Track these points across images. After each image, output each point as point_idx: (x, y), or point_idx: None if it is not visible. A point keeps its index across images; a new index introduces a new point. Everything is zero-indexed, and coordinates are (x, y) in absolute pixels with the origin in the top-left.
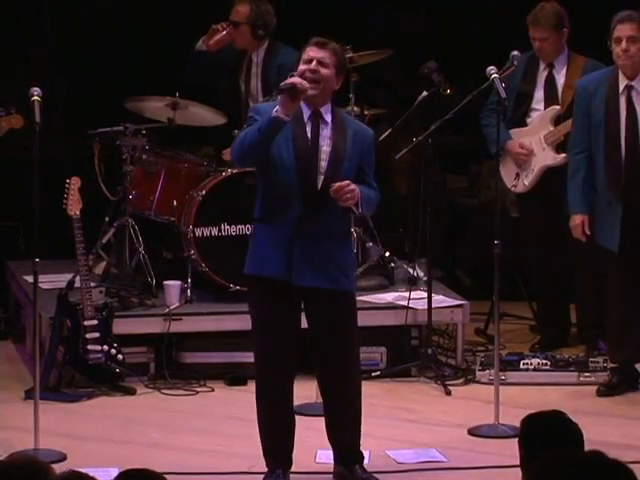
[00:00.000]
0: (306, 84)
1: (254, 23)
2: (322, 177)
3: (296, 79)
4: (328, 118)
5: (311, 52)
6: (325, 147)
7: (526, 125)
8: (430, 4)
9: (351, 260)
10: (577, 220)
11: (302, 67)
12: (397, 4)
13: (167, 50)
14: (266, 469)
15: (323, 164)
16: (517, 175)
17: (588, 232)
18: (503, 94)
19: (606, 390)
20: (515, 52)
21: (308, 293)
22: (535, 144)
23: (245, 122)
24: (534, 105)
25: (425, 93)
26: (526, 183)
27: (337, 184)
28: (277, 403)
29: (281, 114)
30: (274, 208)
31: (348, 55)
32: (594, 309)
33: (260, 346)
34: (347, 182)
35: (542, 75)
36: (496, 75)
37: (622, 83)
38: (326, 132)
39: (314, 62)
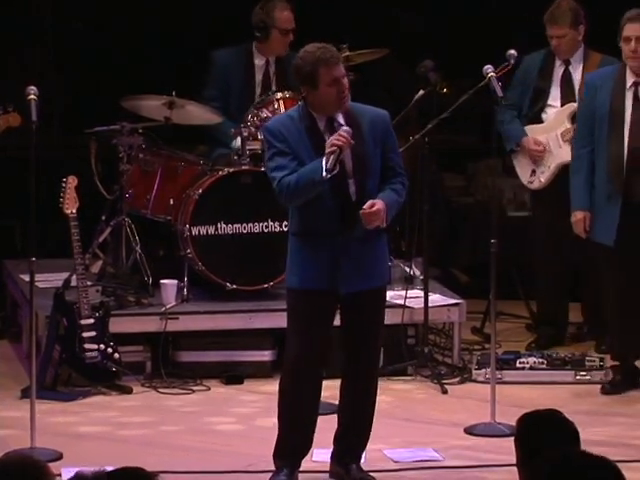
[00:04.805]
0: (347, 138)
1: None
2: (351, 180)
3: (338, 143)
4: (341, 120)
5: (332, 72)
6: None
7: (541, 121)
8: (429, 4)
9: (384, 249)
10: (579, 216)
11: (331, 90)
12: (397, 3)
13: (165, 49)
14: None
15: (349, 167)
16: (533, 171)
17: (588, 229)
18: (500, 93)
19: (611, 388)
20: (512, 51)
21: (349, 296)
22: (552, 141)
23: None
24: (550, 102)
25: (422, 92)
26: (542, 180)
27: (364, 211)
28: (308, 404)
29: (331, 172)
30: (311, 221)
31: (345, 54)
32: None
33: (298, 347)
34: (370, 203)
35: (558, 72)
36: (493, 74)
37: (630, 79)
38: None
39: (343, 80)
